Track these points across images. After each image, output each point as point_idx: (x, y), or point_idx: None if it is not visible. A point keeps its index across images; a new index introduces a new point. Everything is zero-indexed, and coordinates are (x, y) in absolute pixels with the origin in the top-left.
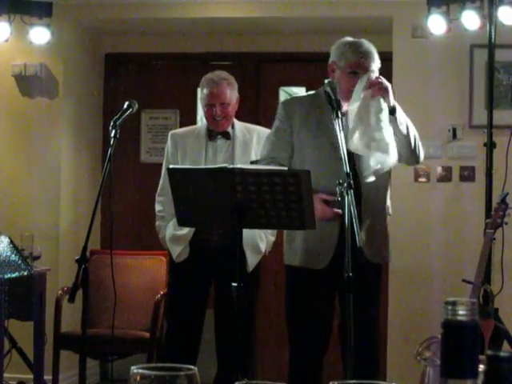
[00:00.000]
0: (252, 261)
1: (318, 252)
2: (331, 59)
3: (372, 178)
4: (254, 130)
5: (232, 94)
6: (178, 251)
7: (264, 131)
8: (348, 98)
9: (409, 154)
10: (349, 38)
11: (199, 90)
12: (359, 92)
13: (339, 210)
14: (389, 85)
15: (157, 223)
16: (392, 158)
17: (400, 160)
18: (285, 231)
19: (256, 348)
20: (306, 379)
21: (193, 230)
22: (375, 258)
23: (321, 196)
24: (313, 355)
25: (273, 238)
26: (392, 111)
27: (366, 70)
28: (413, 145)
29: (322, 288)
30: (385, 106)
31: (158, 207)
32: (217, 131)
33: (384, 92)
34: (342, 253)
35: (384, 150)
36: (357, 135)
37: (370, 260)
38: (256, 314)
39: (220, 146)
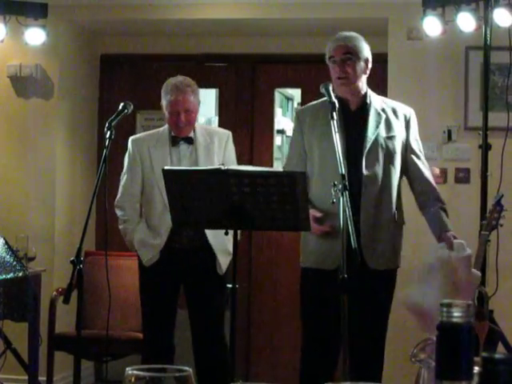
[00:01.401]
0: (223, 262)
1: (329, 253)
2: None
3: None
4: (215, 133)
5: (195, 101)
6: (149, 256)
7: (223, 133)
8: (337, 85)
9: None
10: None
11: (162, 94)
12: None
13: (326, 228)
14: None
15: (121, 227)
16: None
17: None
18: (301, 235)
19: (251, 351)
20: (317, 378)
21: (165, 238)
22: (377, 265)
23: (310, 212)
24: (325, 353)
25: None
26: None
27: (341, 51)
28: None
29: (333, 289)
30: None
31: (119, 212)
32: (180, 137)
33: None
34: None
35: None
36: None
37: (372, 266)
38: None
39: (183, 151)
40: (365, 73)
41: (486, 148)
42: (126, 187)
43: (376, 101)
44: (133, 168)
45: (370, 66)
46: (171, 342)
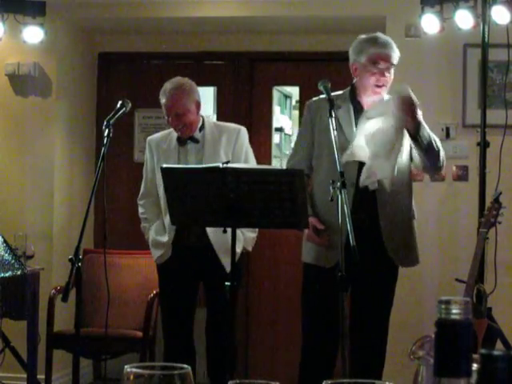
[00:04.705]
0: (227, 262)
1: (326, 251)
2: (351, 59)
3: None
4: (224, 130)
5: (187, 102)
6: (158, 254)
7: (233, 128)
8: (374, 93)
9: (432, 167)
10: (364, 35)
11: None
12: (383, 105)
13: (324, 241)
14: (416, 101)
15: (142, 225)
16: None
17: (423, 170)
18: (304, 231)
19: (250, 348)
20: (316, 373)
21: (172, 235)
22: (402, 262)
23: (312, 221)
24: (323, 350)
25: (253, 235)
26: (417, 129)
27: (387, 60)
28: (437, 158)
29: (332, 286)
30: (405, 137)
31: (140, 210)
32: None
33: (412, 112)
34: (350, 252)
35: (384, 175)
36: (367, 151)
37: (394, 261)
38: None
39: (190, 149)
40: None
41: (484, 145)
42: (145, 185)
43: None
44: (148, 168)
45: None
46: (189, 341)
